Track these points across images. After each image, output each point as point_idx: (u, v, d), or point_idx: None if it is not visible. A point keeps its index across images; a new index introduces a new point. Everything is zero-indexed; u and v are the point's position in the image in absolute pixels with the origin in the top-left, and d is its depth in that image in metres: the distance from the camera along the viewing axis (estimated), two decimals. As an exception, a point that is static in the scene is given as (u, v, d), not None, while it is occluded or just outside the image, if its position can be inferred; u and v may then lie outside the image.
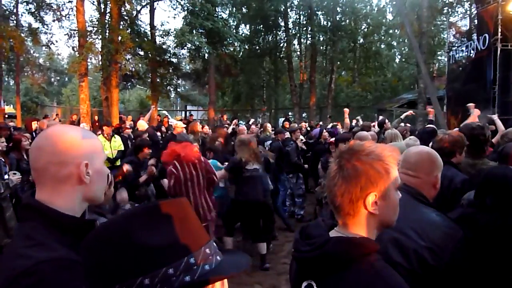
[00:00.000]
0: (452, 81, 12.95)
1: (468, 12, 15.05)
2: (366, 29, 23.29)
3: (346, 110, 8.65)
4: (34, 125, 8.09)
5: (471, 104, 5.24)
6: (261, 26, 21.77)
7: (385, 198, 1.12)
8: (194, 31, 15.43)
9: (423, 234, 1.52)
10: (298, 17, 22.79)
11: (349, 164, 1.11)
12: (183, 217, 0.70)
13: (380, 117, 10.13)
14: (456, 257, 1.45)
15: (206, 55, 17.57)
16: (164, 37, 17.22)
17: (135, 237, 0.63)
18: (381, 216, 1.12)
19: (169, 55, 18.18)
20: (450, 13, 19.91)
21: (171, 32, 16.43)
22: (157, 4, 18.34)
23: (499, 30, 9.60)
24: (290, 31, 22.07)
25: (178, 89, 23.73)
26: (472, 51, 11.13)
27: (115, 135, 7.84)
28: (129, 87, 23.13)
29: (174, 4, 18.05)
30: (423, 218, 1.60)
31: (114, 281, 0.63)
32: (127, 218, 0.67)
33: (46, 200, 1.02)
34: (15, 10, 17.92)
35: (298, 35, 22.84)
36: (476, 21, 11.72)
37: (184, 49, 17.76)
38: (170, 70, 18.99)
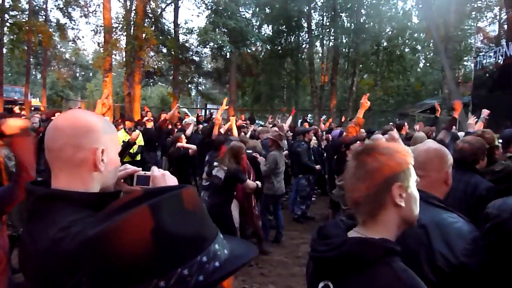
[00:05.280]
0: (478, 87, 12.64)
1: (497, 17, 14.62)
2: (390, 32, 22.90)
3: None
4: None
5: (485, 111, 5.10)
6: (284, 26, 21.68)
7: (408, 190, 1.11)
8: (217, 29, 15.54)
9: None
10: (321, 18, 22.58)
11: (369, 158, 1.10)
12: (202, 207, 0.69)
13: (399, 122, 9.97)
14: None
15: (228, 54, 17.66)
16: (188, 35, 17.41)
17: (164, 228, 0.61)
18: (405, 210, 1.10)
19: (191, 53, 18.36)
20: (478, 18, 19.40)
21: (195, 31, 16.59)
22: (182, 2, 18.55)
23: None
24: (313, 32, 21.89)
25: (199, 87, 23.93)
26: (500, 57, 10.84)
27: (136, 130, 7.95)
28: (151, 84, 23.48)
29: (198, 3, 18.24)
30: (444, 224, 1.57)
31: (127, 282, 0.61)
32: (154, 209, 0.63)
33: (65, 187, 1.00)
34: (44, 6, 18.42)
35: (320, 36, 22.64)
36: (505, 26, 11.39)
37: (207, 47, 17.91)
38: (192, 68, 19.17)
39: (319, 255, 1.11)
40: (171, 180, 1.09)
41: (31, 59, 20.14)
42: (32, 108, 18.43)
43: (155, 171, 1.11)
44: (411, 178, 1.13)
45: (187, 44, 18.04)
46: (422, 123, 8.85)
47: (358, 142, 4.46)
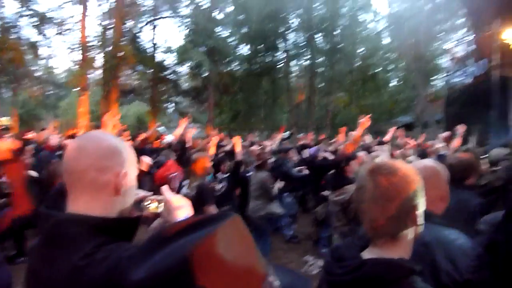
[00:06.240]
0: (449, 105, 13.13)
1: (466, 38, 15.39)
2: (363, 52, 23.66)
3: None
4: (29, 136, 8.00)
5: (460, 127, 5.30)
6: (261, 46, 22.05)
7: (420, 209, 1.14)
8: (196, 48, 15.63)
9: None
10: (296, 38, 23.14)
11: (386, 179, 1.10)
12: (250, 237, 0.67)
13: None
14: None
15: (207, 72, 17.74)
16: (167, 53, 17.43)
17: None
18: (419, 228, 1.13)
19: (169, 71, 18.34)
20: (447, 39, 20.34)
21: (173, 50, 16.64)
22: (160, 21, 18.63)
23: (496, 56, 9.82)
24: (289, 52, 22.35)
25: (177, 106, 23.86)
26: (469, 77, 11.34)
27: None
28: (127, 102, 23.19)
29: (177, 22, 18.33)
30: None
31: None
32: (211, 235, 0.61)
33: (83, 211, 0.95)
34: (17, 23, 18.01)
35: (296, 56, 23.11)
36: (473, 47, 11.98)
37: (184, 66, 17.96)
38: (170, 87, 19.12)
39: (337, 279, 1.09)
40: (184, 203, 1.06)
41: (1, 77, 19.53)
42: (1, 128, 17.74)
43: (167, 193, 1.08)
44: (422, 197, 1.16)
45: (165, 63, 18.04)
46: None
47: (357, 158, 4.53)
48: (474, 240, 1.67)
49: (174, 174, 5.46)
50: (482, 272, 1.47)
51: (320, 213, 5.92)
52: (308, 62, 22.60)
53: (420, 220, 1.12)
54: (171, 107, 21.63)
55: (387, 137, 7.03)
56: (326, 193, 5.45)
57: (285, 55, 22.49)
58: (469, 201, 2.43)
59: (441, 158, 4.16)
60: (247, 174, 5.85)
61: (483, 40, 10.87)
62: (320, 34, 21.97)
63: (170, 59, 18.20)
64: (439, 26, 20.13)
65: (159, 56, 17.65)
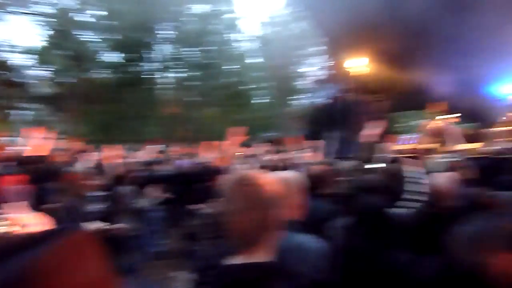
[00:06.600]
0: (309, 122, 14.63)
1: (325, 64, 17.35)
2: (234, 69, 24.72)
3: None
4: None
5: (319, 142, 5.94)
6: (128, 55, 21.18)
7: (281, 215, 1.23)
8: (57, 52, 14.08)
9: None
10: (163, 50, 23.00)
11: (251, 191, 1.16)
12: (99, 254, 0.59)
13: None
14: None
15: (68, 79, 16.11)
16: (15, 54, 15.24)
17: None
18: (281, 233, 1.24)
19: (19, 74, 16.06)
20: (311, 62, 22.73)
21: (30, 50, 14.66)
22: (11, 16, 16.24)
23: (346, 82, 11.37)
24: (157, 63, 22.07)
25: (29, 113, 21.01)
26: (325, 98, 12.87)
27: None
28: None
29: (37, 21, 16.19)
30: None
31: None
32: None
33: None
34: None
35: (168, 68, 22.92)
36: (330, 72, 13.66)
37: (40, 69, 15.99)
38: (17, 91, 16.69)
39: None
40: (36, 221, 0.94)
41: None
42: None
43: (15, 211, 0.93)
44: (283, 205, 1.24)
45: (15, 64, 15.75)
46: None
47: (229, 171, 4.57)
48: (326, 244, 1.83)
49: (14, 188, 4.74)
50: (334, 272, 1.63)
51: (190, 226, 5.84)
52: (180, 75, 22.62)
53: (282, 226, 1.21)
54: (19, 114, 18.82)
55: (255, 151, 7.39)
56: (196, 206, 5.41)
57: (155, 66, 22.00)
58: (323, 208, 2.68)
59: (300, 169, 4.52)
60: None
61: (337, 67, 12.47)
62: (188, 48, 22.18)
63: (23, 61, 15.89)
64: (302, 50, 22.43)
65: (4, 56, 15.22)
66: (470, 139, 8.03)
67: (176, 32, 21.79)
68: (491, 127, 8.55)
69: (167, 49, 22.78)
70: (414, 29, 9.86)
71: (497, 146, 5.86)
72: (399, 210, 2.46)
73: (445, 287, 1.27)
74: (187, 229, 6.08)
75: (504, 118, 8.89)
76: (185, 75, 21.66)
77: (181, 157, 11.18)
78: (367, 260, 1.93)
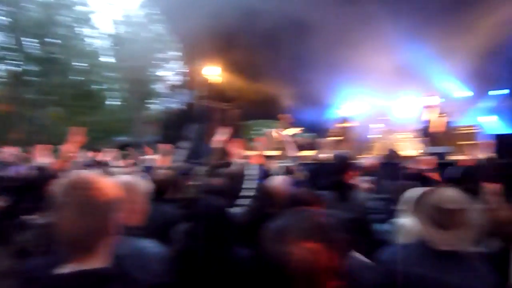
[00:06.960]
0: (164, 127, 14.44)
1: (181, 69, 17.33)
2: (79, 67, 22.63)
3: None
4: None
5: (167, 146, 5.98)
6: None
7: (117, 220, 1.22)
8: None
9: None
10: (4, 39, 19.71)
11: (84, 195, 1.13)
12: None
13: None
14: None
15: None
16: None
17: None
18: (117, 239, 1.24)
19: None
20: (166, 67, 22.27)
21: None
22: None
23: (201, 88, 11.64)
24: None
25: None
26: (181, 103, 12.92)
27: None
28: None
29: None
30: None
31: None
32: None
33: None
34: None
35: (1, 59, 19.64)
36: (186, 77, 13.76)
37: None
38: None
39: None
40: None
41: None
42: None
43: None
44: (119, 209, 1.24)
45: None
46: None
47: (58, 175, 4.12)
48: (167, 248, 1.86)
49: None
50: (172, 275, 1.67)
51: (21, 241, 5.11)
52: (15, 68, 19.63)
53: (119, 232, 1.20)
54: None
55: (103, 156, 6.95)
56: (27, 217, 4.77)
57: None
58: (168, 213, 2.71)
59: (147, 174, 4.47)
60: None
61: (192, 73, 12.64)
62: (32, 39, 19.51)
63: None
64: (159, 54, 21.91)
65: None
66: (307, 147, 9.36)
67: (11, 19, 18.84)
68: (324, 137, 10.02)
69: (5, 37, 19.58)
70: (265, 43, 10.73)
71: (324, 154, 7.05)
72: (237, 209, 2.65)
73: (258, 276, 1.44)
74: (18, 245, 5.31)
75: (333, 129, 10.39)
76: (20, 68, 18.80)
77: (15, 162, 9.71)
78: (204, 260, 2.03)
